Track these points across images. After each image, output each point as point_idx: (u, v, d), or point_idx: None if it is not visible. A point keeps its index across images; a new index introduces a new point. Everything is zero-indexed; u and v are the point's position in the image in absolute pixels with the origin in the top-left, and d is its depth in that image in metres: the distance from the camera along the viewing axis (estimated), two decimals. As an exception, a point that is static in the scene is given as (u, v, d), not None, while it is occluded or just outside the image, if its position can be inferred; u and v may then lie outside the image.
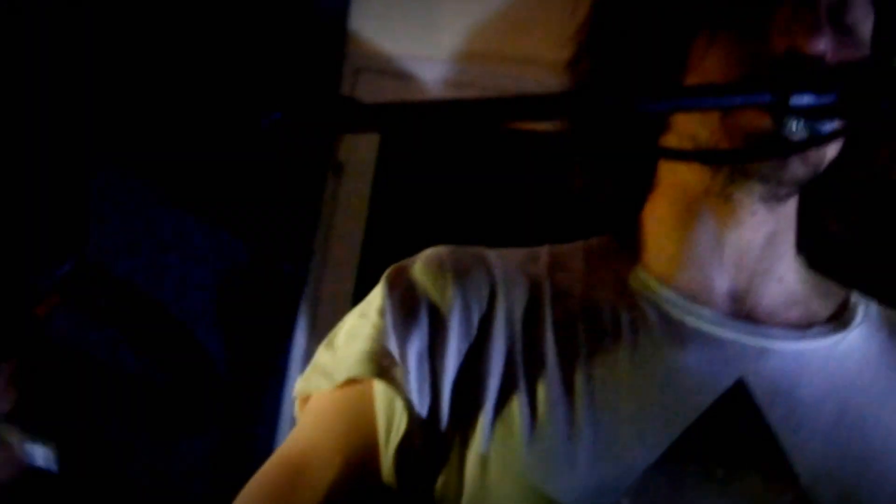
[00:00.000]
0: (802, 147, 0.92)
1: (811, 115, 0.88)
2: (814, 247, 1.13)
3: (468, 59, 2.57)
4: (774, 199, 1.03)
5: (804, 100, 0.84)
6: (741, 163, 0.99)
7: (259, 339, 2.42)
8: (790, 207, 1.07)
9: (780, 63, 0.94)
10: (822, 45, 0.94)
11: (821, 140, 0.90)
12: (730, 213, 1.03)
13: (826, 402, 1.02)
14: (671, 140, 1.05)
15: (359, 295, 1.11)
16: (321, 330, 2.38)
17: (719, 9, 0.99)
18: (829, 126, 0.91)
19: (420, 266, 1.07)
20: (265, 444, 2.33)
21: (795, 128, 0.91)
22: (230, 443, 2.38)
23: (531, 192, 2.33)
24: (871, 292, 1.14)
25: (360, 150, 2.59)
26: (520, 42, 2.44)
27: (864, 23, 1.01)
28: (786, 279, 1.08)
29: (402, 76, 2.59)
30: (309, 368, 1.07)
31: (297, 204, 2.45)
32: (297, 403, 1.09)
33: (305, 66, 2.48)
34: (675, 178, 1.07)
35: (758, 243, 1.05)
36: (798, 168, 0.99)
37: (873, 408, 1.03)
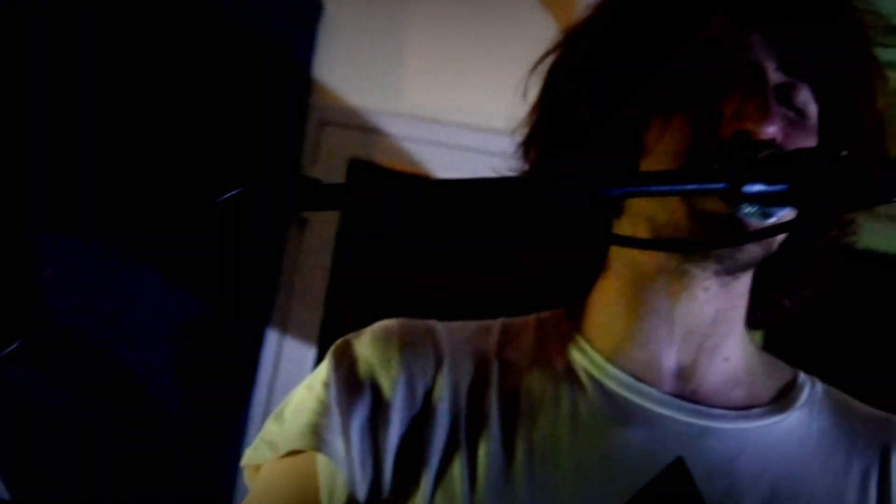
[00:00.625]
0: (757, 237, 0.94)
1: (764, 201, 0.89)
2: (764, 322, 1.14)
3: (433, 117, 2.57)
4: (729, 276, 1.04)
5: (756, 188, 0.86)
6: (696, 250, 1.00)
7: (218, 395, 2.40)
8: (743, 283, 1.08)
9: (732, 148, 0.95)
10: (773, 129, 0.96)
11: (774, 231, 0.92)
12: (683, 289, 1.04)
13: (761, 484, 1.03)
14: (626, 222, 1.06)
15: (321, 351, 1.12)
16: (281, 387, 2.37)
17: (672, 94, 1.01)
18: (782, 211, 0.92)
19: (367, 340, 1.08)
20: (223, 503, 2.31)
21: (749, 212, 0.92)
22: (186, 501, 2.34)
23: (489, 255, 2.33)
24: (819, 367, 1.16)
25: (325, 206, 2.56)
26: (486, 105, 2.45)
27: (811, 105, 1.02)
28: (732, 357, 1.09)
29: (366, 130, 2.59)
30: (258, 438, 1.09)
31: (260, 258, 2.44)
32: (246, 472, 1.10)
33: (270, 118, 2.47)
34: (626, 256, 1.07)
35: (708, 320, 1.06)
36: (754, 249, 1.01)
37: (807, 490, 1.04)
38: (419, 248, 2.54)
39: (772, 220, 0.93)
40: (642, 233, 1.03)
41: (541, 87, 1.10)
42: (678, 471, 1.02)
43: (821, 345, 2.59)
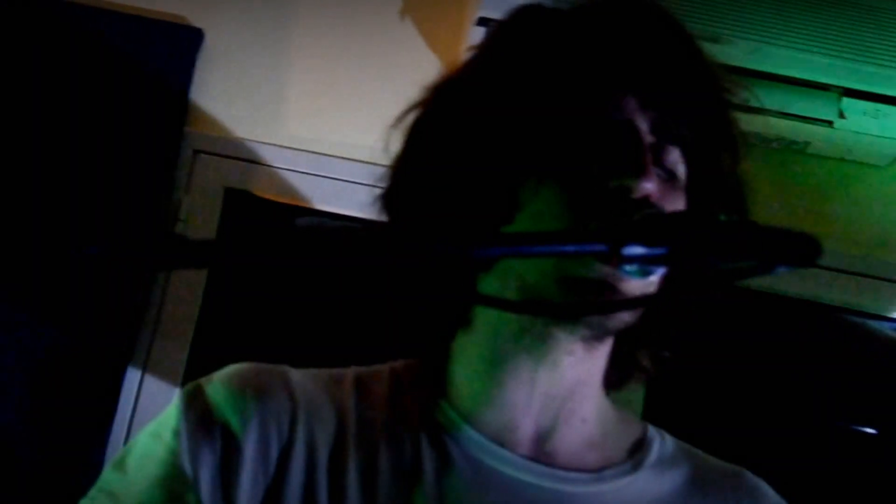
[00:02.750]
0: (630, 305, 0.93)
1: (643, 262, 0.88)
2: (621, 383, 1.14)
3: (311, 149, 2.55)
4: (596, 340, 1.03)
5: (636, 250, 0.85)
6: (567, 317, 0.99)
7: (75, 433, 2.30)
8: (606, 346, 1.08)
9: (610, 204, 0.95)
10: (650, 185, 0.96)
11: (647, 300, 0.91)
12: (547, 353, 1.03)
13: None
14: (493, 279, 1.04)
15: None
16: (140, 426, 2.28)
17: (547, 155, 1.00)
18: (661, 269, 0.92)
19: (218, 386, 1.03)
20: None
21: (628, 271, 0.92)
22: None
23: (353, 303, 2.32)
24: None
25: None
26: (365, 138, 2.43)
27: (680, 166, 1.03)
28: (589, 419, 1.09)
29: (242, 160, 2.54)
30: (94, 489, 1.01)
31: (125, 299, 2.36)
32: None
33: (144, 145, 2.41)
34: (491, 315, 1.06)
35: (570, 384, 1.05)
36: (625, 314, 1.01)
37: None
38: (285, 295, 2.50)
39: (651, 279, 0.93)
40: (510, 293, 1.01)
41: (406, 140, 1.08)
42: None
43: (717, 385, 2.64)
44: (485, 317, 1.07)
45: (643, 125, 1.00)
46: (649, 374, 1.14)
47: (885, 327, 2.76)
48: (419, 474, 1.02)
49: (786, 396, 2.72)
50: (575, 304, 0.97)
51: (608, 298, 0.96)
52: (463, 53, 1.12)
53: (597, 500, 1.05)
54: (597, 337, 1.03)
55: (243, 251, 0.75)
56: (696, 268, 0.85)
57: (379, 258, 0.81)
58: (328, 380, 1.10)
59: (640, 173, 0.96)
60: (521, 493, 1.03)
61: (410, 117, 1.10)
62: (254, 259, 0.77)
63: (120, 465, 1.01)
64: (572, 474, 1.05)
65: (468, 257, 0.81)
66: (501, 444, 1.05)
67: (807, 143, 2.53)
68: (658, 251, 0.85)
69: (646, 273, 0.92)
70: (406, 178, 1.08)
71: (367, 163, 2.29)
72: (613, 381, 1.13)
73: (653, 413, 2.31)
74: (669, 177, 1.02)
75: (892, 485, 2.72)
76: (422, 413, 1.07)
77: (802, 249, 0.78)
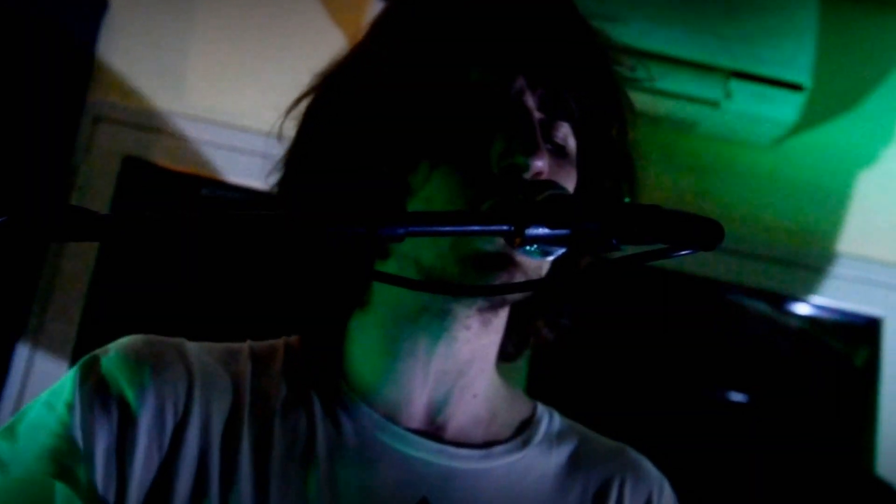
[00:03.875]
0: (529, 287, 0.94)
1: (545, 242, 0.89)
2: (516, 355, 1.16)
3: (212, 119, 2.50)
4: (492, 312, 1.04)
5: (539, 231, 0.86)
6: (468, 295, 0.99)
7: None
8: (501, 318, 1.09)
9: (503, 185, 0.96)
10: (541, 163, 0.97)
11: (550, 282, 0.92)
12: (444, 329, 1.04)
13: None
14: (392, 263, 1.05)
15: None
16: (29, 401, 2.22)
17: (439, 137, 1.00)
18: (560, 250, 0.93)
19: (114, 358, 1.01)
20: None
21: (529, 251, 0.92)
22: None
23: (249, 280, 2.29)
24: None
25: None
26: (266, 109, 2.39)
27: (571, 140, 1.04)
28: (480, 396, 1.10)
29: (143, 129, 2.49)
30: None
31: (14, 273, 2.29)
32: None
33: (43, 111, 2.33)
34: (389, 295, 1.06)
35: (465, 359, 1.06)
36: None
37: None
38: (182, 263, 2.46)
39: (550, 259, 0.94)
40: (410, 274, 1.02)
41: (299, 127, 1.08)
42: None
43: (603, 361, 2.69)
44: (382, 297, 1.07)
45: (531, 102, 1.01)
46: (547, 342, 1.16)
47: (762, 304, 2.85)
48: (312, 452, 1.02)
49: (663, 368, 2.79)
50: (475, 286, 0.98)
51: (508, 271, 0.97)
52: (365, 26, 1.11)
53: (485, 476, 1.06)
54: (493, 308, 1.04)
55: (141, 227, 0.74)
56: (596, 250, 0.86)
57: (284, 239, 0.80)
58: (224, 353, 1.08)
59: (531, 151, 0.97)
60: (413, 468, 1.04)
61: (304, 103, 1.10)
62: (151, 237, 0.74)
63: (10, 432, 0.99)
64: (462, 450, 1.06)
65: (374, 237, 0.80)
66: (395, 420, 1.05)
67: (694, 124, 2.58)
68: (561, 233, 0.86)
69: (546, 253, 0.93)
70: (300, 167, 1.08)
71: (269, 134, 2.27)
72: (508, 352, 1.14)
73: (536, 387, 2.35)
74: (560, 152, 1.03)
75: (762, 451, 2.81)
76: (317, 389, 1.07)
77: (706, 234, 0.80)
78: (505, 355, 1.14)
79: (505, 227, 0.86)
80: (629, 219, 0.83)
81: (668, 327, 2.83)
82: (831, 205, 2.78)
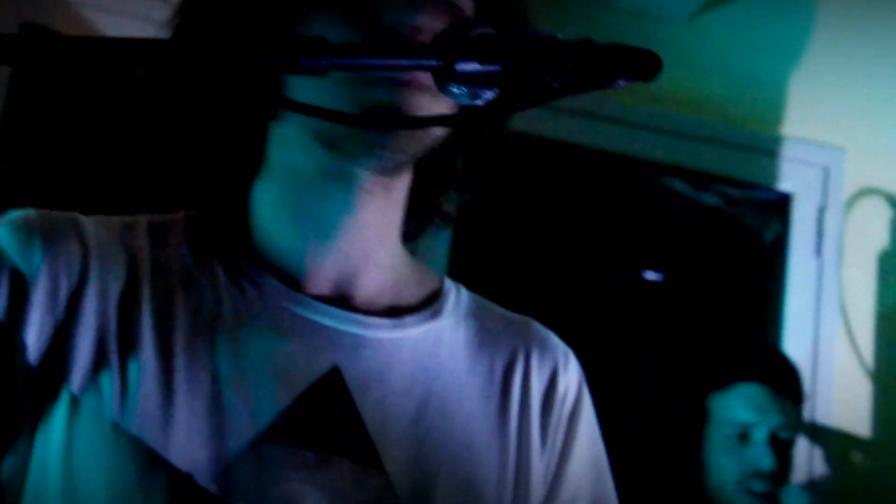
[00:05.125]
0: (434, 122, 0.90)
1: (473, 82, 0.86)
2: (417, 233, 1.13)
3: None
4: (390, 175, 1.02)
5: (470, 67, 0.83)
6: (382, 124, 0.96)
7: None
8: (400, 189, 1.06)
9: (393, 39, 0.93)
10: (426, 18, 0.94)
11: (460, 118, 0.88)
12: (344, 193, 1.01)
13: (413, 392, 1.03)
14: (286, 129, 1.02)
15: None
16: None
17: None
18: (488, 93, 0.89)
19: (4, 231, 0.97)
20: None
21: (457, 93, 0.89)
22: None
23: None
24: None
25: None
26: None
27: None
28: (387, 266, 1.08)
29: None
30: None
31: None
32: None
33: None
34: (286, 159, 1.03)
35: (369, 225, 1.04)
36: (414, 144, 0.99)
37: (456, 396, 1.06)
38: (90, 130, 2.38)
39: (479, 102, 0.90)
40: (304, 142, 0.99)
41: None
42: (333, 379, 1.00)
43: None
44: (280, 161, 1.04)
45: None
46: (450, 219, 1.14)
47: (678, 182, 2.87)
48: (217, 322, 0.99)
49: (580, 248, 2.80)
50: (399, 118, 0.94)
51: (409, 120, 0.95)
52: None
53: (396, 346, 1.05)
54: (396, 170, 1.01)
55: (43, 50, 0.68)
56: (529, 88, 0.82)
57: (197, 67, 0.75)
58: (120, 226, 1.04)
59: (416, 6, 0.94)
60: (323, 337, 1.01)
61: None
62: (54, 58, 0.69)
63: None
64: (373, 320, 1.04)
65: (297, 68, 0.75)
66: (301, 289, 1.03)
67: (610, -2, 2.56)
68: (492, 68, 0.83)
69: (474, 96, 0.89)
70: (188, 22, 1.03)
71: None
72: (412, 230, 1.12)
73: (457, 267, 2.33)
74: (452, 8, 0.98)
75: (675, 328, 2.87)
76: (220, 260, 1.04)
77: (645, 63, 0.78)
78: (409, 234, 1.12)
79: (434, 62, 0.82)
80: (564, 52, 0.80)
81: (584, 207, 2.84)
82: (745, 82, 2.79)
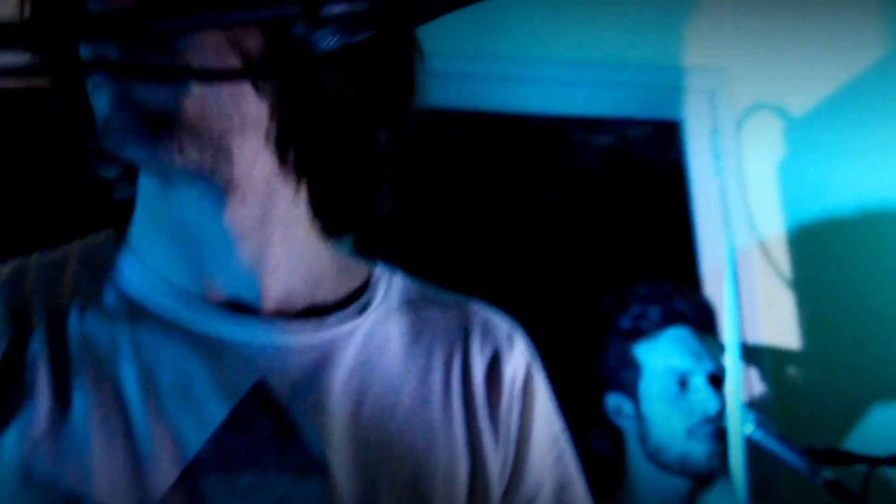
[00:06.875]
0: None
1: (345, 25, 0.80)
2: (339, 229, 1.05)
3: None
4: (206, 167, 0.92)
5: (337, 8, 0.77)
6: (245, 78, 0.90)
7: None
8: (260, 183, 0.97)
9: None
10: None
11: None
12: (213, 193, 0.94)
13: (347, 394, 0.97)
14: None
15: None
16: None
17: None
18: (362, 34, 0.83)
19: None
20: None
21: (329, 42, 0.83)
22: None
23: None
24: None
25: None
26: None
27: None
28: (292, 265, 1.00)
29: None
30: None
31: None
32: None
33: None
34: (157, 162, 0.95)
35: (245, 227, 0.96)
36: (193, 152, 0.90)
37: (393, 394, 1.00)
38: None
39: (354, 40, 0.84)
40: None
41: None
42: (260, 395, 0.94)
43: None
44: (140, 188, 0.99)
45: None
46: (356, 227, 1.06)
47: (572, 130, 2.84)
48: (117, 353, 0.93)
49: (494, 211, 2.76)
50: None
51: (171, 132, 0.89)
52: None
53: (323, 348, 0.98)
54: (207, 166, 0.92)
55: None
56: (401, 20, 0.77)
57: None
58: (9, 275, 0.98)
59: None
60: (237, 352, 0.95)
61: None
62: None
63: None
64: (291, 324, 0.98)
65: (172, 31, 0.72)
66: (206, 303, 0.96)
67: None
68: (360, 6, 0.77)
69: (347, 41, 0.83)
70: None
71: None
72: (325, 229, 1.04)
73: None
74: None
75: (584, 275, 2.85)
76: (117, 285, 0.98)
77: None
78: (322, 231, 1.04)
79: (296, 8, 0.75)
80: None
81: (488, 172, 2.80)
82: (622, 16, 2.77)
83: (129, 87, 0.88)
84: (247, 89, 0.91)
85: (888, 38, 2.94)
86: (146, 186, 0.97)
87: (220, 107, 0.90)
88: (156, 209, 0.97)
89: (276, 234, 0.98)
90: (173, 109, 0.88)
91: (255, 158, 0.94)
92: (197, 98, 0.88)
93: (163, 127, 0.88)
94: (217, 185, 0.93)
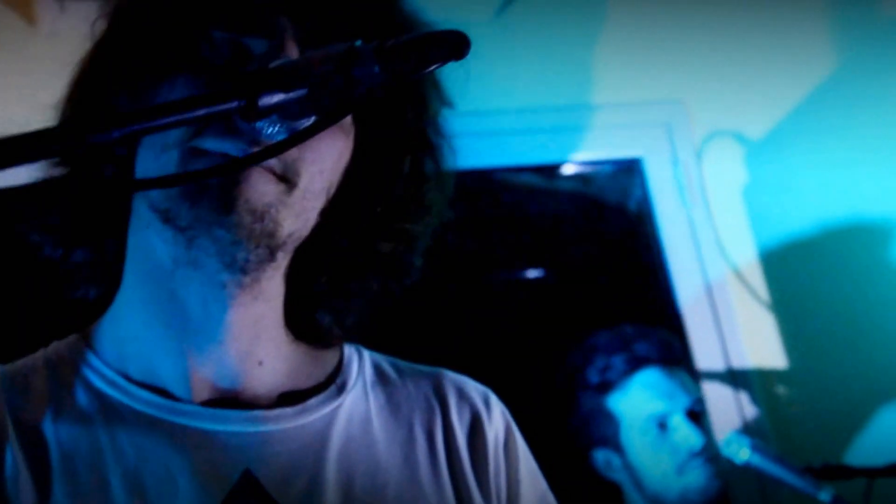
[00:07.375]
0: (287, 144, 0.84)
1: (285, 114, 0.81)
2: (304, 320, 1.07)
3: None
4: (248, 272, 0.95)
5: (275, 98, 0.78)
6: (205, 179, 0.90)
7: None
8: (273, 287, 1.00)
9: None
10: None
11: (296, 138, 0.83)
12: (205, 286, 0.95)
13: (337, 472, 0.98)
14: (141, 208, 0.97)
15: None
16: None
17: (178, 57, 0.94)
18: (306, 122, 0.84)
19: None
20: None
21: (272, 132, 0.85)
22: None
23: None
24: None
25: None
26: None
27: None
28: (272, 359, 1.02)
29: None
30: None
31: None
32: None
33: None
34: (146, 252, 0.97)
35: (243, 323, 0.98)
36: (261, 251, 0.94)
37: (382, 468, 1.01)
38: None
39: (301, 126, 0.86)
40: (155, 226, 0.95)
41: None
42: (247, 484, 0.94)
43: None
44: (141, 256, 0.98)
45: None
46: (336, 336, 1.08)
47: (530, 177, 2.86)
48: (99, 464, 0.92)
49: (458, 261, 2.76)
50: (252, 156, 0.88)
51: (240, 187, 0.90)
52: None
53: (305, 432, 0.99)
54: (251, 262, 0.94)
55: None
56: (344, 94, 0.78)
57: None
58: None
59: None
60: (222, 444, 0.95)
61: None
62: None
63: None
64: (273, 411, 0.99)
65: (112, 140, 0.71)
66: (185, 400, 0.97)
67: None
68: (298, 94, 0.78)
69: (292, 128, 0.84)
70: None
71: None
72: (304, 336, 1.06)
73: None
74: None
75: (559, 320, 2.84)
76: (88, 390, 0.97)
77: (454, 44, 0.77)
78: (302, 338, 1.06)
79: (235, 103, 0.76)
80: (367, 59, 0.76)
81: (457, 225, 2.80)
82: (573, 58, 2.79)
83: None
84: None
85: (836, 53, 2.98)
86: (157, 263, 0.96)
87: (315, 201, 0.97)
88: (158, 289, 0.96)
89: (266, 333, 1.00)
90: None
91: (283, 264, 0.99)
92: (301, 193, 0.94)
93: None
94: (243, 280, 0.95)
